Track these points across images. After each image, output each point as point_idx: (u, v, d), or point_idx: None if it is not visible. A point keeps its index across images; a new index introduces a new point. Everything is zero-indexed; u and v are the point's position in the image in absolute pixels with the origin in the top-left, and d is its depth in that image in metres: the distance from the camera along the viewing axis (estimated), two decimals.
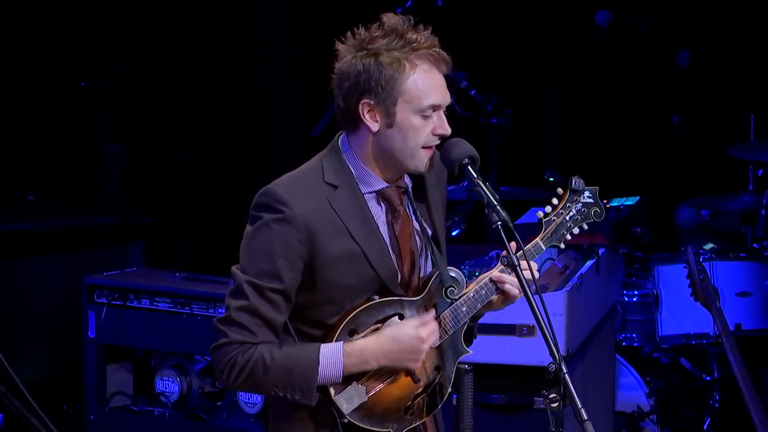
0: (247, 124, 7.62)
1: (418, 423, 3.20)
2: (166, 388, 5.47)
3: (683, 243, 6.07)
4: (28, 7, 7.07)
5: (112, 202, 7.05)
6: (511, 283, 3.20)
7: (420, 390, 3.18)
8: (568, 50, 6.99)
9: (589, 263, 4.98)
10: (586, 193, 3.38)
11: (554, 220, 3.32)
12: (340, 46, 3.12)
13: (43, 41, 7.10)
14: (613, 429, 5.63)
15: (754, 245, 5.95)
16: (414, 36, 3.09)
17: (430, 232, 3.24)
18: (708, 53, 7.14)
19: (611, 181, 7.02)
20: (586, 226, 3.36)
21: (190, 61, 7.56)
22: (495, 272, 3.21)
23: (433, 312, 3.17)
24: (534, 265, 3.19)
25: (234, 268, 3.11)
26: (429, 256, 3.24)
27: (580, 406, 2.94)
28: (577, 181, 3.36)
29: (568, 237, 3.34)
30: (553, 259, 5.15)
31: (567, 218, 3.33)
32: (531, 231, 4.17)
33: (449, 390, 3.23)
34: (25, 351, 6.21)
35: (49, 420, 2.58)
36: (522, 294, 3.17)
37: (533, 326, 4.37)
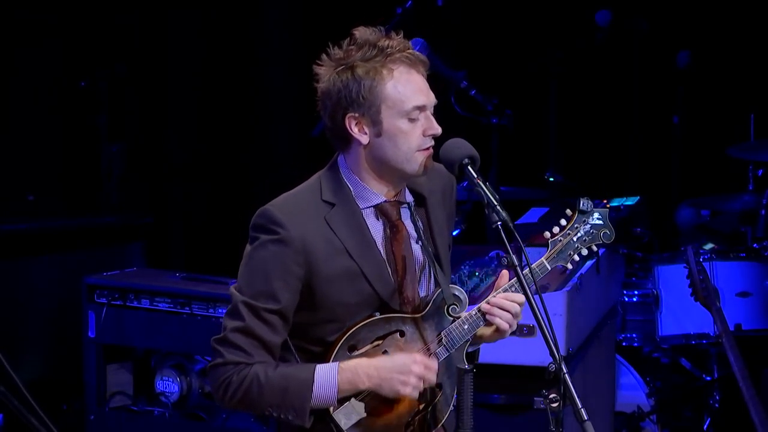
0: (247, 124, 7.62)
1: None
2: (166, 388, 5.47)
3: (683, 243, 6.07)
4: (28, 7, 7.07)
5: (112, 202, 7.04)
6: (500, 317, 3.19)
7: (421, 408, 3.17)
8: (568, 50, 6.99)
9: (589, 263, 4.97)
10: (596, 215, 3.36)
11: (561, 240, 3.31)
12: (318, 69, 3.14)
13: (43, 41, 7.10)
14: (613, 429, 5.63)
15: (754, 245, 5.95)
16: (386, 42, 3.10)
17: (431, 250, 3.24)
18: (708, 53, 7.14)
19: (611, 181, 7.06)
20: (595, 248, 3.35)
21: (190, 61, 7.56)
22: (484, 303, 3.21)
23: (435, 362, 3.16)
24: (521, 298, 3.19)
25: (232, 288, 3.12)
26: (431, 273, 3.23)
27: (580, 406, 2.94)
28: (585, 203, 3.35)
29: (576, 258, 3.33)
30: None
31: (574, 239, 3.32)
32: (531, 231, 4.18)
33: (451, 409, 3.22)
34: (25, 351, 6.21)
35: (49, 420, 2.58)
36: (512, 330, 3.22)
37: (533, 326, 4.37)
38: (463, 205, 6.23)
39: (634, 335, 6.11)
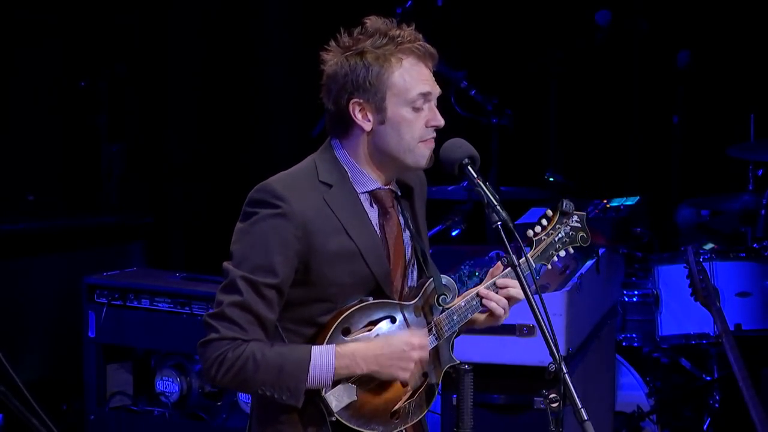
0: (247, 124, 7.62)
1: (402, 428, 3.19)
2: (166, 388, 5.47)
3: (683, 243, 6.07)
4: (28, 7, 7.07)
5: (112, 202, 7.05)
6: (497, 302, 3.22)
7: (407, 395, 3.18)
8: (568, 50, 6.98)
9: (589, 263, 4.98)
10: (575, 218, 3.40)
11: (544, 239, 3.35)
12: (326, 54, 3.15)
13: (43, 41, 7.10)
14: (613, 429, 5.63)
15: (754, 245, 5.95)
16: (398, 32, 3.13)
17: (418, 240, 3.25)
18: (708, 53, 7.14)
19: (611, 181, 7.06)
20: (572, 250, 3.39)
21: (190, 61, 7.56)
22: (482, 288, 3.23)
23: (425, 330, 3.17)
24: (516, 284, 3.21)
25: (226, 264, 3.09)
26: (415, 263, 3.25)
27: (580, 406, 2.95)
28: (567, 204, 3.38)
29: (555, 259, 3.37)
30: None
31: (555, 239, 3.36)
32: None
33: (434, 398, 3.23)
34: (25, 351, 6.21)
35: (49, 420, 2.58)
36: (506, 316, 3.24)
37: (533, 326, 4.37)
38: (463, 205, 6.23)
39: (634, 335, 6.11)
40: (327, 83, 3.14)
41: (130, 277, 5.69)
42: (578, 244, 3.39)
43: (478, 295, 3.22)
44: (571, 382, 2.95)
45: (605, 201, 5.58)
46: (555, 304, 4.38)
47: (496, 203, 3.12)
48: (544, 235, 3.34)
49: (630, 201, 5.60)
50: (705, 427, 5.92)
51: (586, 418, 2.95)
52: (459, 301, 3.22)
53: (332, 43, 3.15)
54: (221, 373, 3.05)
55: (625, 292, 6.11)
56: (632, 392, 5.90)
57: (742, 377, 4.74)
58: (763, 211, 6.25)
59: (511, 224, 3.12)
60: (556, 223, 3.36)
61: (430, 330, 3.19)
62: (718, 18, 7.27)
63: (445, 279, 3.22)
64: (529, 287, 3.07)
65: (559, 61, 6.98)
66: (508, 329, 4.41)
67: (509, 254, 3.11)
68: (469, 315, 3.22)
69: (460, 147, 3.19)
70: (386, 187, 3.20)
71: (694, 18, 7.30)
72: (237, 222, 3.12)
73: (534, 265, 3.24)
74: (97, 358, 5.55)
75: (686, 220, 6.62)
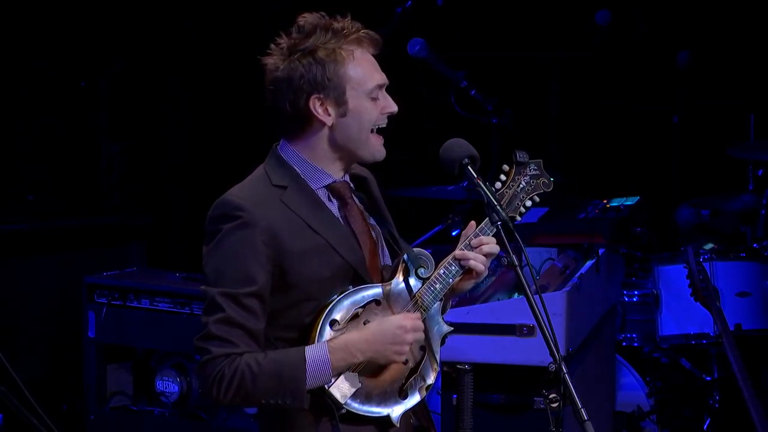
0: (247, 124, 7.62)
1: (414, 404, 3.20)
2: (166, 388, 5.47)
3: (683, 243, 6.07)
4: (29, 7, 7.07)
5: (112, 202, 7.04)
6: (475, 259, 3.21)
7: (410, 371, 3.19)
8: (568, 50, 6.98)
9: (589, 263, 4.98)
10: (532, 166, 3.41)
11: (507, 192, 3.34)
12: (267, 60, 3.19)
13: (43, 41, 7.09)
14: (613, 429, 5.63)
15: (754, 245, 5.95)
16: (340, 25, 3.17)
17: (384, 223, 3.29)
18: (708, 53, 7.14)
19: (611, 181, 7.05)
20: (537, 198, 3.39)
21: (191, 60, 7.56)
22: (457, 250, 3.23)
23: (417, 313, 3.18)
24: (493, 240, 3.23)
25: (203, 287, 3.10)
26: (385, 247, 3.29)
27: (580, 406, 2.95)
28: (521, 155, 3.39)
29: (522, 209, 3.35)
30: (553, 259, 5.15)
31: (518, 190, 3.36)
32: (531, 231, 4.17)
33: (438, 369, 3.24)
34: (25, 351, 6.21)
35: (49, 420, 2.58)
36: (486, 272, 3.24)
37: (533, 326, 4.37)
38: (463, 205, 6.23)
39: (634, 335, 6.11)
40: (278, 86, 3.16)
41: (130, 277, 5.69)
42: (542, 191, 3.40)
43: (455, 258, 3.22)
44: (571, 382, 2.95)
45: (605, 201, 5.58)
46: (555, 304, 4.38)
47: (496, 203, 3.13)
48: (506, 189, 3.34)
49: (630, 201, 5.60)
50: (705, 427, 5.92)
51: (586, 418, 2.95)
52: (438, 270, 3.22)
53: (272, 46, 3.18)
54: (222, 391, 3.04)
55: (625, 292, 6.11)
56: (632, 392, 5.90)
57: (742, 377, 4.75)
58: (763, 211, 6.25)
59: (511, 224, 3.13)
60: (515, 175, 3.36)
61: (415, 303, 3.19)
62: (718, 18, 7.27)
63: (419, 251, 3.23)
64: (529, 287, 3.07)
65: (559, 61, 6.97)
66: (508, 329, 4.41)
67: (509, 254, 3.12)
68: (451, 280, 3.22)
69: (460, 147, 3.21)
70: (342, 179, 3.22)
71: (694, 18, 7.29)
72: (203, 246, 3.12)
73: (506, 217, 3.21)
74: (97, 358, 5.55)
75: (686, 220, 6.62)
